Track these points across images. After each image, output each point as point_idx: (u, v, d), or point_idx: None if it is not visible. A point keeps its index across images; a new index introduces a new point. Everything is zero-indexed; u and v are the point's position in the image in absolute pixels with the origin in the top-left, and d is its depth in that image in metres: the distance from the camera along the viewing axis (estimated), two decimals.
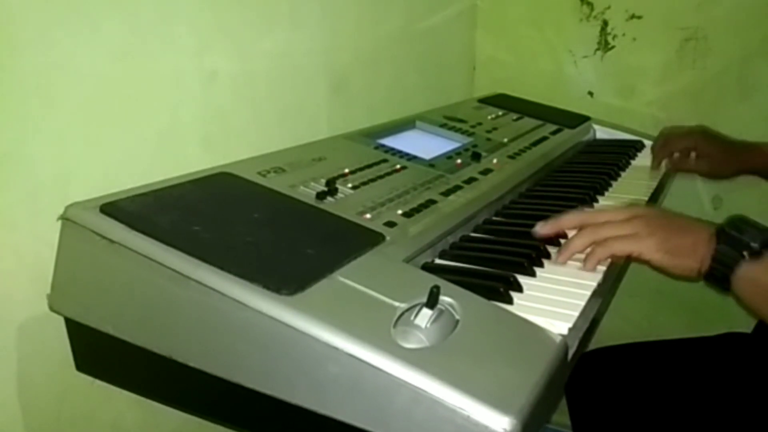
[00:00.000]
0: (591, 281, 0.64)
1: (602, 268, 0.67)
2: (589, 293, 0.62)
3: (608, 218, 0.68)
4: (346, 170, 0.78)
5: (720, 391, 0.90)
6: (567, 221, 0.70)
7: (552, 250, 0.70)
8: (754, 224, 0.64)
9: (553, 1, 1.40)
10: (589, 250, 0.67)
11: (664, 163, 1.08)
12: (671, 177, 1.12)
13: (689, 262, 0.65)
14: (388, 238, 0.63)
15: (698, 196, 1.33)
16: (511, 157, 0.98)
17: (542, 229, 0.70)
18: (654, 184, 1.04)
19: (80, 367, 0.65)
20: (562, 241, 0.71)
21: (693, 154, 1.12)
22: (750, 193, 1.17)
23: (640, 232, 0.66)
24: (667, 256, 0.65)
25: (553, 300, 0.60)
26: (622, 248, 0.65)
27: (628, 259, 0.67)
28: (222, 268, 0.52)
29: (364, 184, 0.76)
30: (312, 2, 0.97)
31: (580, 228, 0.69)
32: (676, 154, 1.11)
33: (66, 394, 0.70)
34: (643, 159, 1.16)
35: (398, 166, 0.83)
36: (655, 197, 1.00)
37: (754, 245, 0.62)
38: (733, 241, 0.63)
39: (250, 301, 0.50)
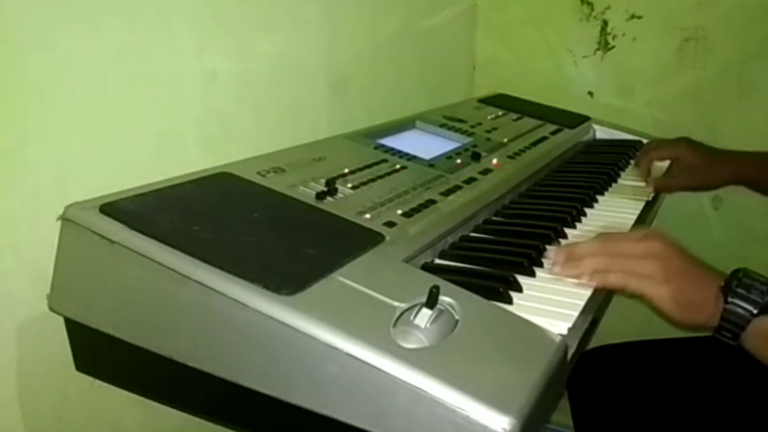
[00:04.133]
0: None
1: None
2: (588, 293, 0.62)
3: (625, 251, 0.65)
4: (346, 170, 0.78)
5: (720, 391, 0.90)
6: (580, 252, 0.66)
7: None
8: (759, 278, 0.63)
9: (553, 1, 1.40)
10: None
11: (648, 182, 1.06)
12: None
13: (697, 317, 0.64)
14: (387, 238, 0.63)
15: (698, 196, 1.33)
16: (510, 157, 0.98)
17: (556, 257, 0.66)
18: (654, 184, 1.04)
19: (80, 367, 0.65)
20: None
21: (665, 164, 1.11)
22: (750, 193, 1.17)
23: (656, 276, 0.63)
24: (677, 309, 0.63)
25: (552, 300, 0.60)
26: (636, 287, 0.63)
27: (638, 297, 0.65)
28: (222, 268, 0.52)
29: (364, 184, 0.76)
30: (312, 2, 0.97)
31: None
32: (657, 162, 1.10)
33: (66, 394, 0.70)
34: None
35: (398, 166, 0.83)
36: (655, 198, 1.00)
37: (763, 301, 0.61)
38: (742, 299, 0.62)
39: (250, 301, 0.50)
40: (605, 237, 0.69)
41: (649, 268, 0.64)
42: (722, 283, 0.64)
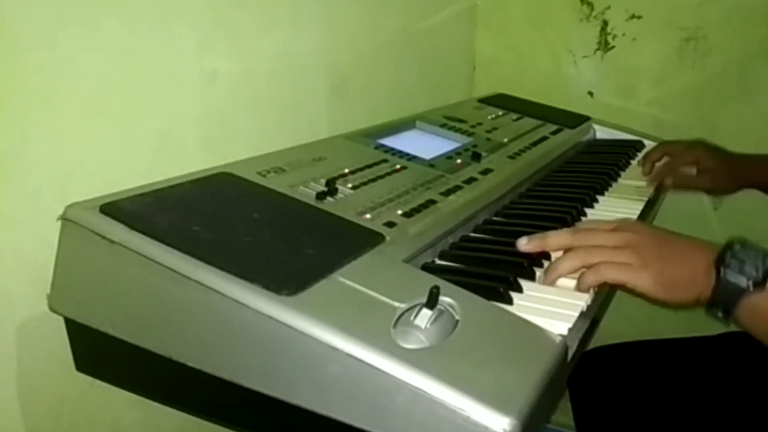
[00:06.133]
0: None
1: None
2: (589, 293, 0.61)
3: (599, 242, 0.64)
4: (346, 170, 0.78)
5: (720, 391, 0.90)
6: (553, 241, 0.66)
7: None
8: (753, 248, 0.61)
9: (553, 1, 1.40)
10: (578, 272, 0.63)
11: (665, 182, 1.04)
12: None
13: (687, 294, 0.62)
14: (388, 238, 0.63)
15: (698, 196, 1.33)
16: (511, 157, 0.97)
17: (526, 245, 0.66)
18: (654, 184, 1.04)
19: (80, 367, 0.65)
20: (554, 255, 0.68)
21: (693, 170, 1.10)
22: (750, 193, 1.17)
23: (633, 263, 0.62)
24: (663, 289, 0.61)
25: (552, 300, 0.60)
26: (615, 277, 0.61)
27: (621, 287, 0.64)
28: (222, 268, 0.52)
29: (364, 184, 0.76)
30: (312, 2, 0.97)
31: (568, 249, 0.65)
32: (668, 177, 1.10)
33: (66, 394, 0.70)
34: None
35: (398, 166, 0.83)
36: (655, 197, 1.00)
37: (757, 274, 0.59)
38: (735, 272, 0.60)
39: (250, 301, 0.50)
40: (577, 229, 0.69)
41: (624, 257, 0.62)
42: (715, 256, 0.62)
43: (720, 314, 0.62)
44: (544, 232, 0.67)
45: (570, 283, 0.63)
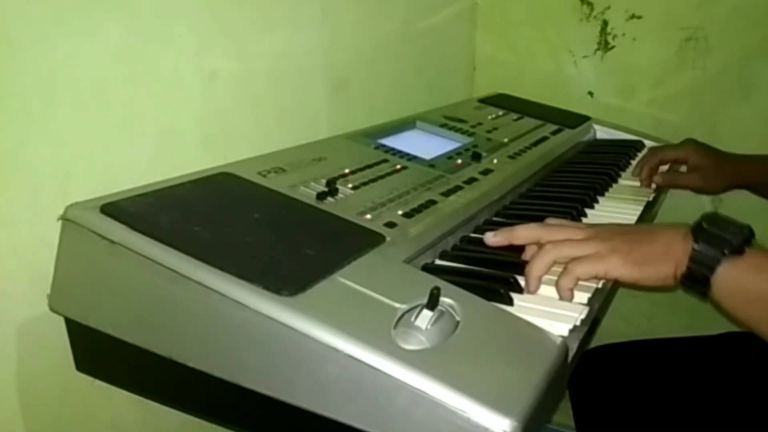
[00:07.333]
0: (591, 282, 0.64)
1: None
2: (589, 294, 0.61)
3: (566, 236, 0.64)
4: (347, 170, 0.78)
5: (720, 391, 0.91)
6: (521, 233, 0.65)
7: None
8: (732, 221, 0.60)
9: (553, 1, 1.40)
10: (556, 270, 0.62)
11: (654, 179, 1.04)
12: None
13: (662, 268, 0.60)
14: (388, 238, 0.63)
15: (698, 196, 1.32)
16: (511, 157, 0.97)
17: (493, 239, 0.65)
18: (654, 184, 1.04)
19: (80, 367, 0.65)
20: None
21: (683, 168, 1.10)
22: (750, 194, 1.17)
23: (601, 250, 0.60)
24: (635, 268, 0.59)
25: (553, 301, 0.60)
26: (585, 271, 0.60)
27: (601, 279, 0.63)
28: (222, 269, 0.52)
29: (365, 184, 0.76)
30: (312, 2, 0.97)
31: (537, 244, 0.64)
32: (664, 168, 1.09)
33: (66, 394, 0.70)
34: None
35: (398, 167, 0.83)
36: (655, 198, 1.00)
37: (735, 242, 0.57)
38: (713, 238, 0.58)
39: (250, 301, 0.50)
40: (544, 223, 0.68)
41: (592, 247, 0.61)
42: (691, 227, 0.60)
43: (696, 287, 0.59)
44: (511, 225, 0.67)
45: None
